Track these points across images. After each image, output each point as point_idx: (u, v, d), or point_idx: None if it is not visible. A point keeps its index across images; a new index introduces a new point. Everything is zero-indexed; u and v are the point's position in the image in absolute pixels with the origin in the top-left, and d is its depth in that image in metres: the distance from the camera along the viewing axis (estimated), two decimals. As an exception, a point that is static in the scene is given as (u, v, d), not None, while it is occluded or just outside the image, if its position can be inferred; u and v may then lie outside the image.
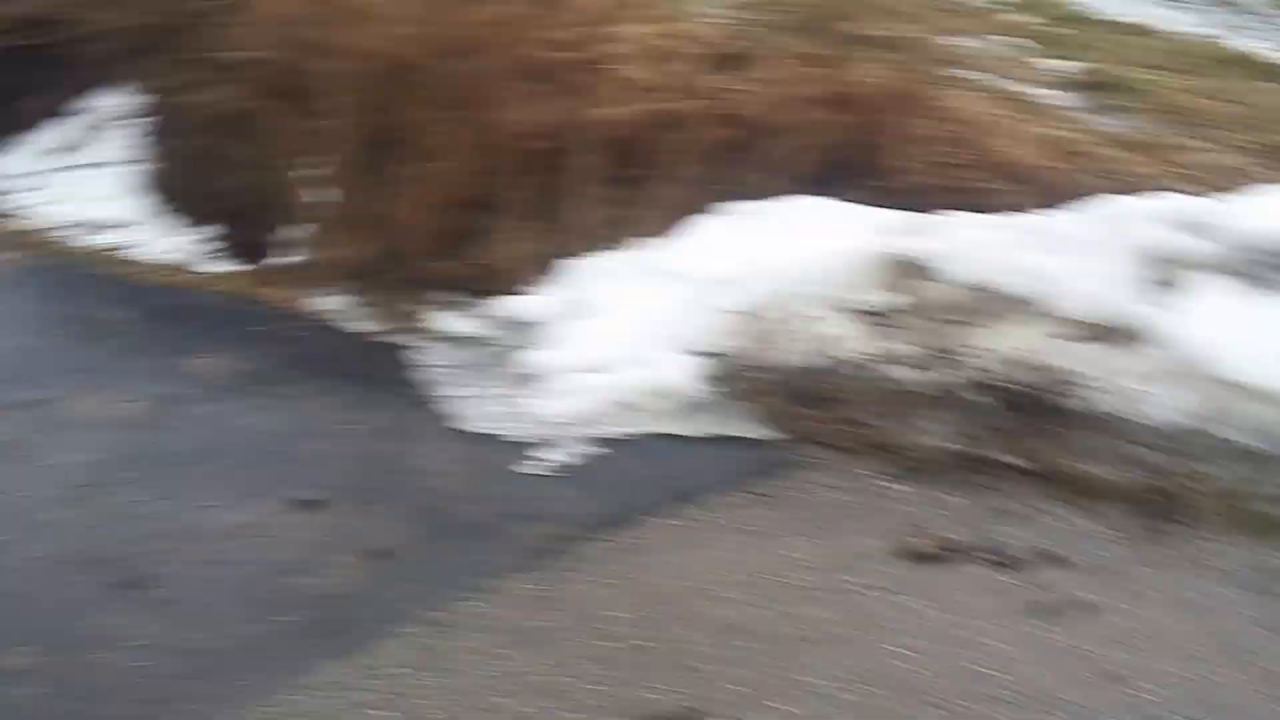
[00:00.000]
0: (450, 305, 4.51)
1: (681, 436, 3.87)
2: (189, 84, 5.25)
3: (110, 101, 5.70)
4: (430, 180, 4.60)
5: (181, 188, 5.26)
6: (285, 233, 4.95)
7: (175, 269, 4.80)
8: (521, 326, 4.34)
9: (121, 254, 4.96)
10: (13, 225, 5.07)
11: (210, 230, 5.14)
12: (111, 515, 3.31)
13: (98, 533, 3.24)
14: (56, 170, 5.59)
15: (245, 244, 5.05)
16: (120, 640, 2.80)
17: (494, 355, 4.29)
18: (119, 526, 3.28)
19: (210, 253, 5.07)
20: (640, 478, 3.70)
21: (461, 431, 3.88)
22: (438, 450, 3.78)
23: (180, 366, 4.05)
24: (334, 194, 4.83)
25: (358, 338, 4.33)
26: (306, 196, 4.89)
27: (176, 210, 5.24)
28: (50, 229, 5.12)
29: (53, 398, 3.84)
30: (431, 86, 4.70)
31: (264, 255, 4.99)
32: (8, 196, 5.43)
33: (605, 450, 3.77)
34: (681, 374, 4.01)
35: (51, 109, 5.82)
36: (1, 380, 3.96)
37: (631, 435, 3.85)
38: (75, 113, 5.79)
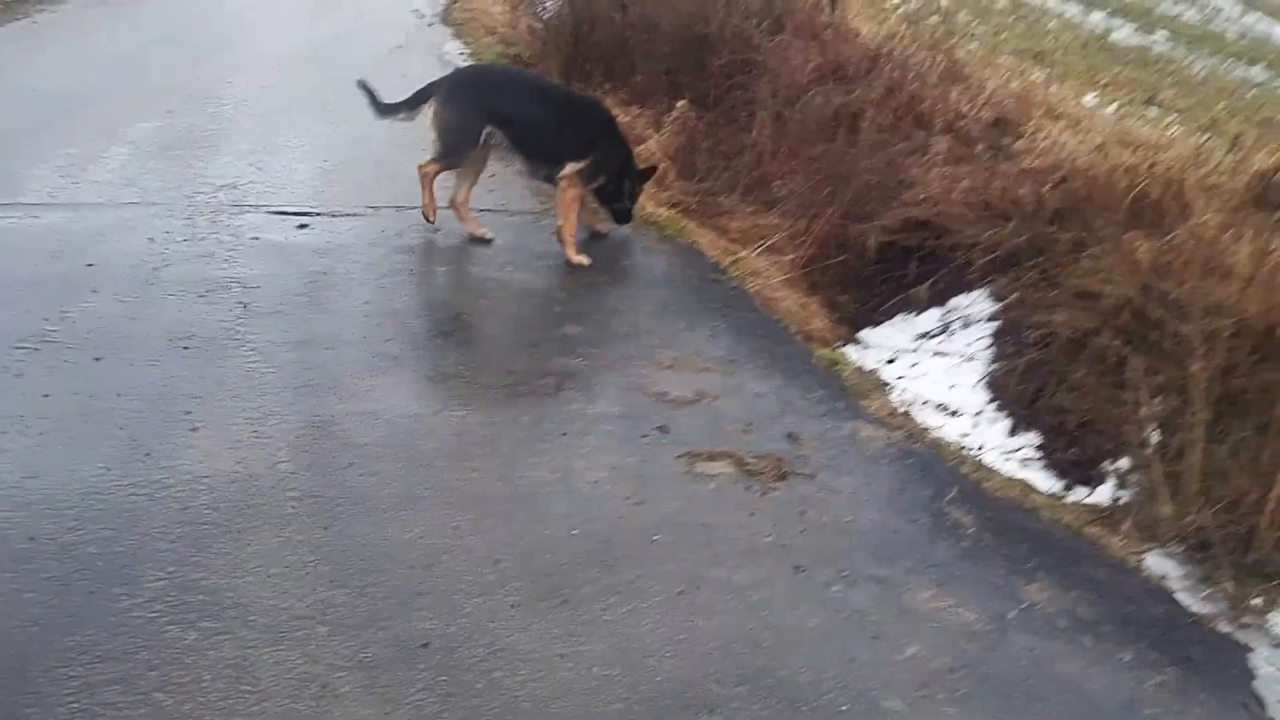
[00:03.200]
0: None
1: None
2: (1041, 301, 5.74)
3: (971, 301, 6.21)
4: (1282, 458, 4.20)
5: (1019, 395, 5.44)
6: (1118, 469, 4.76)
7: (1014, 483, 4.68)
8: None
9: (969, 450, 5.02)
10: (885, 398, 5.27)
11: (1042, 442, 5.17)
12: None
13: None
14: (922, 353, 6.05)
15: (1075, 465, 4.97)
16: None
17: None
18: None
19: (1041, 465, 5.03)
20: None
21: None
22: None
23: (1017, 588, 3.84)
24: (1174, 446, 4.53)
25: (1191, 616, 3.90)
26: (1145, 440, 4.67)
27: (1013, 414, 5.39)
28: (911, 406, 5.28)
29: (899, 582, 3.86)
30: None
31: (1092, 483, 4.83)
32: (888, 366, 5.93)
33: None
34: None
35: (925, 299, 6.49)
36: (862, 550, 3.97)
37: None
38: (943, 305, 6.37)
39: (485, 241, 6.29)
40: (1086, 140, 6.90)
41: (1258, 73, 13.59)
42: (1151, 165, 5.94)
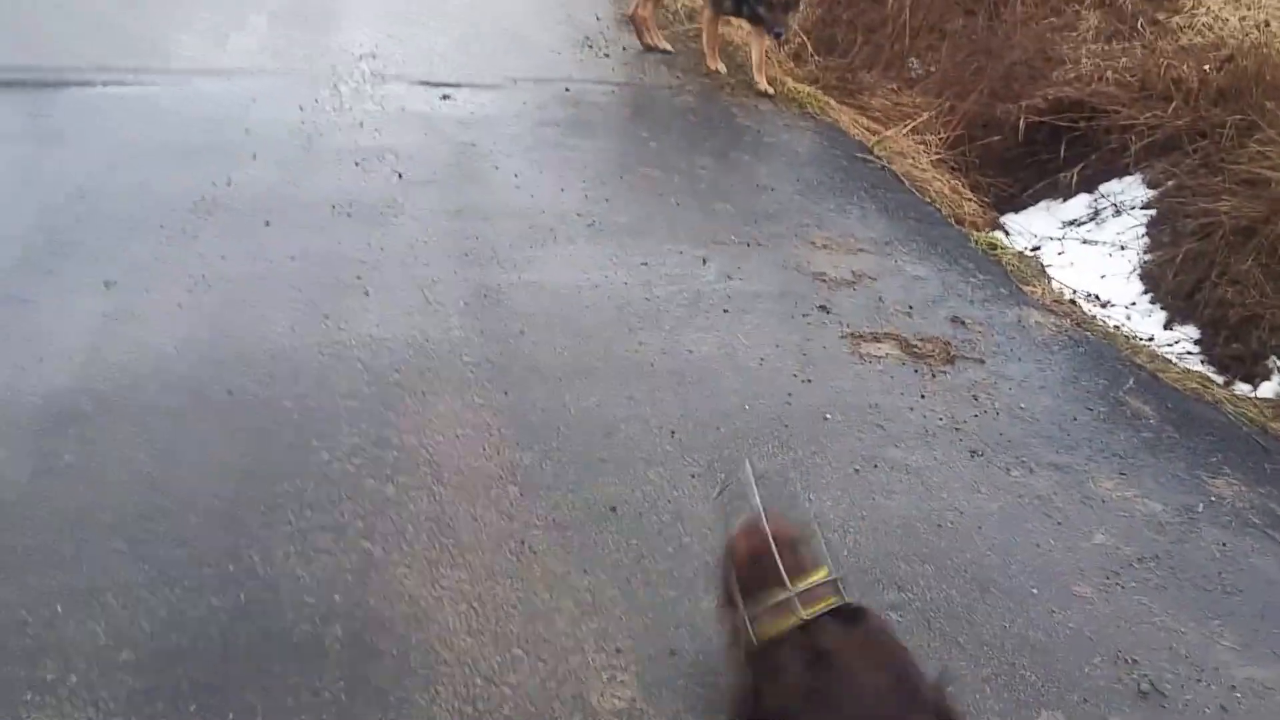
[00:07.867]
0: None
1: None
2: (1202, 189, 5.56)
3: (1123, 187, 6.05)
4: None
5: (1176, 287, 5.27)
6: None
7: (1193, 374, 4.54)
8: None
9: (1135, 338, 4.87)
10: (1049, 284, 5.15)
11: (1200, 336, 5.03)
12: (1122, 614, 3.15)
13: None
14: (1069, 241, 5.91)
15: (1236, 360, 4.82)
16: None
17: None
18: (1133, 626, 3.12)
19: (1199, 359, 4.89)
20: None
21: None
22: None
23: (1203, 481, 3.74)
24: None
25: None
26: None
27: (1169, 307, 5.25)
28: (1067, 295, 5.16)
29: (1080, 470, 3.73)
30: None
31: (1255, 379, 4.67)
32: (1038, 252, 5.79)
33: None
34: None
35: (1075, 184, 6.27)
36: (1038, 437, 3.86)
37: None
38: (1092, 192, 6.20)
39: (666, 52, 6.98)
40: (1249, 16, 6.60)
41: None
42: (1332, 44, 5.66)
